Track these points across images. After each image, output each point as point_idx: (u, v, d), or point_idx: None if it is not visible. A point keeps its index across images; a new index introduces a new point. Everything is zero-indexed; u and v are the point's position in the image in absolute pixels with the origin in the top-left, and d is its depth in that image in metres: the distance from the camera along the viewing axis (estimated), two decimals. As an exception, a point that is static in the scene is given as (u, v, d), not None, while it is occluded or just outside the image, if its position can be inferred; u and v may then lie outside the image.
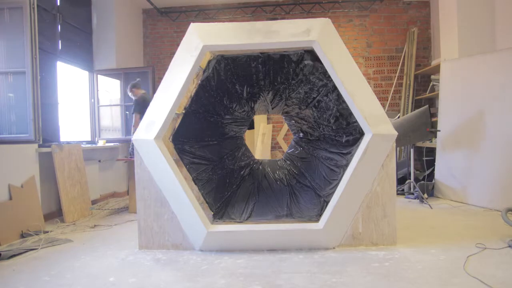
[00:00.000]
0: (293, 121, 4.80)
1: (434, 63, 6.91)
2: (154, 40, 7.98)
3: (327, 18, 3.31)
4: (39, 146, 4.37)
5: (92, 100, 6.51)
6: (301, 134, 4.78)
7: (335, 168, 3.73)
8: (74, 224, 4.43)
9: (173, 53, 3.37)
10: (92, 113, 6.51)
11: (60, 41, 5.60)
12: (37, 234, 3.88)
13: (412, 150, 5.64)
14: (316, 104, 3.98)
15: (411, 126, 5.23)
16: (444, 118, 5.48)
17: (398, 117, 6.96)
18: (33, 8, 3.50)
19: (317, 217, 3.36)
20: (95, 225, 4.30)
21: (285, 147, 7.40)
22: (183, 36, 3.37)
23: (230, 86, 3.91)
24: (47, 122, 4.92)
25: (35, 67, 3.53)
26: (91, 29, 6.56)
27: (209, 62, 3.60)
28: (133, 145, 3.79)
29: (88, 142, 6.13)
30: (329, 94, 3.72)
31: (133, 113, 5.21)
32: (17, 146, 3.98)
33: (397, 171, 5.88)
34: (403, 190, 5.67)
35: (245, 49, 3.38)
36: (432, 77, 6.72)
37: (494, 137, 4.73)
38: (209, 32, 3.29)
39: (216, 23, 3.41)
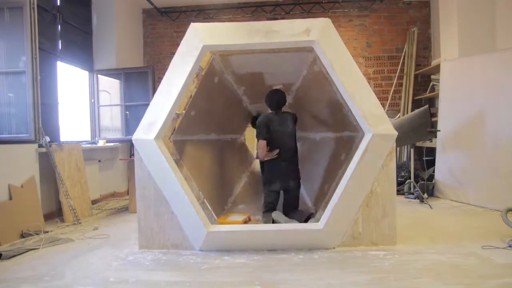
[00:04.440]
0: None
1: (434, 63, 6.91)
2: (154, 40, 7.98)
3: (327, 18, 3.31)
4: (39, 146, 4.37)
5: (92, 100, 6.51)
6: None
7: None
8: (74, 224, 4.43)
9: (173, 53, 3.37)
10: (92, 113, 6.50)
11: (60, 41, 5.59)
12: (37, 234, 3.88)
13: (412, 150, 5.64)
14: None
15: (411, 126, 5.23)
16: (444, 118, 5.48)
17: (398, 117, 6.96)
18: (33, 8, 3.49)
19: (317, 217, 3.36)
20: (96, 225, 4.30)
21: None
22: (183, 36, 3.37)
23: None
24: (47, 122, 4.91)
25: (35, 67, 3.53)
26: (91, 29, 6.55)
27: (209, 62, 3.60)
28: None
29: (88, 142, 6.13)
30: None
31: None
32: (17, 146, 3.98)
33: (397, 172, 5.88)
34: (403, 189, 5.67)
35: (245, 49, 3.38)
36: (432, 77, 6.72)
37: (494, 137, 4.73)
38: (209, 32, 3.29)
39: (216, 23, 3.41)
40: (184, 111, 3.66)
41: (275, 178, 3.84)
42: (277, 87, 4.34)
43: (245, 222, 3.62)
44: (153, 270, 2.88)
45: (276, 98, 3.92)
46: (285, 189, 3.90)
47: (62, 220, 4.52)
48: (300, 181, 3.98)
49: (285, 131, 3.88)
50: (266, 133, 3.80)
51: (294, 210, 3.89)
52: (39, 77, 3.58)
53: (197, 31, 3.30)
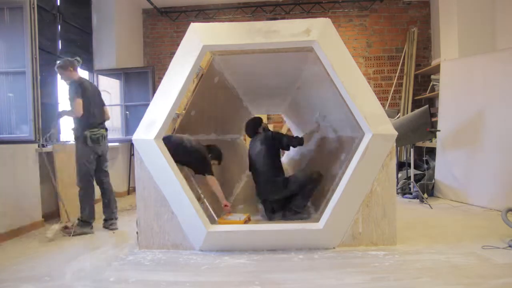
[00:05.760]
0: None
1: (434, 63, 6.91)
2: (154, 40, 7.98)
3: (327, 18, 3.31)
4: (39, 146, 4.36)
5: (92, 100, 6.50)
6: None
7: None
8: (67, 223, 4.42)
9: (173, 53, 3.37)
10: (92, 113, 6.49)
11: (60, 41, 5.59)
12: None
13: (412, 150, 5.64)
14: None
15: (411, 126, 5.23)
16: (444, 118, 5.48)
17: (398, 117, 6.96)
18: (33, 8, 3.49)
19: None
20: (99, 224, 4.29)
21: (285, 147, 7.38)
22: (183, 36, 3.37)
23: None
24: (47, 122, 4.90)
25: (35, 67, 3.53)
26: (91, 29, 6.55)
27: (209, 62, 3.60)
28: None
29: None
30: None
31: (72, 99, 3.88)
32: (17, 146, 3.98)
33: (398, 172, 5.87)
34: (400, 189, 5.66)
35: (245, 49, 3.38)
36: (432, 77, 6.72)
37: (494, 137, 4.73)
38: (209, 32, 3.29)
39: (216, 23, 3.41)
40: (184, 111, 3.66)
41: (259, 192, 4.19)
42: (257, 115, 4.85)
43: (245, 222, 3.63)
44: (153, 270, 2.88)
45: (249, 126, 4.42)
46: (268, 199, 4.09)
47: (60, 221, 4.49)
48: (292, 182, 3.99)
49: (255, 153, 4.17)
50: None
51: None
52: (39, 77, 3.58)
53: (197, 31, 3.30)
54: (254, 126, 4.41)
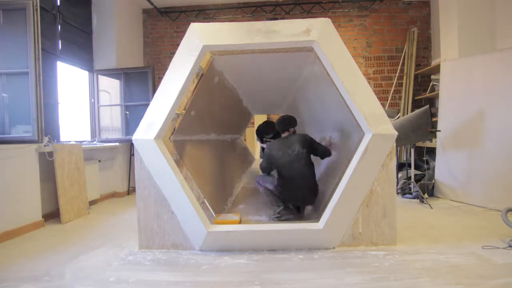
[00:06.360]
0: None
1: (434, 63, 6.91)
2: (154, 40, 7.99)
3: (327, 18, 3.31)
4: (45, 145, 4.37)
5: (92, 100, 6.51)
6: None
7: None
8: (75, 223, 4.42)
9: (173, 53, 3.37)
10: (92, 113, 6.51)
11: (60, 41, 5.60)
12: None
13: (412, 150, 5.64)
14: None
15: (412, 126, 5.23)
16: (444, 118, 5.48)
17: (398, 117, 6.96)
18: (36, 9, 3.50)
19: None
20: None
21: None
22: (183, 36, 3.37)
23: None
24: (47, 122, 4.91)
25: (38, 67, 3.53)
26: (91, 29, 6.56)
27: (209, 62, 3.60)
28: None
29: (88, 142, 6.12)
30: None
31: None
32: (18, 146, 3.98)
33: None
34: (401, 189, 5.66)
35: (245, 49, 3.38)
36: (432, 77, 6.72)
37: (494, 137, 4.73)
38: (209, 32, 3.29)
39: (216, 23, 3.41)
40: (184, 111, 3.66)
41: (286, 197, 3.92)
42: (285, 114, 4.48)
43: (240, 221, 3.62)
44: (153, 270, 2.88)
45: (280, 122, 4.06)
46: (298, 204, 4.01)
47: (59, 221, 4.49)
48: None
49: (291, 154, 3.87)
50: (267, 163, 4.00)
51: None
52: (41, 78, 3.58)
53: (197, 31, 3.30)
54: (289, 123, 4.06)
